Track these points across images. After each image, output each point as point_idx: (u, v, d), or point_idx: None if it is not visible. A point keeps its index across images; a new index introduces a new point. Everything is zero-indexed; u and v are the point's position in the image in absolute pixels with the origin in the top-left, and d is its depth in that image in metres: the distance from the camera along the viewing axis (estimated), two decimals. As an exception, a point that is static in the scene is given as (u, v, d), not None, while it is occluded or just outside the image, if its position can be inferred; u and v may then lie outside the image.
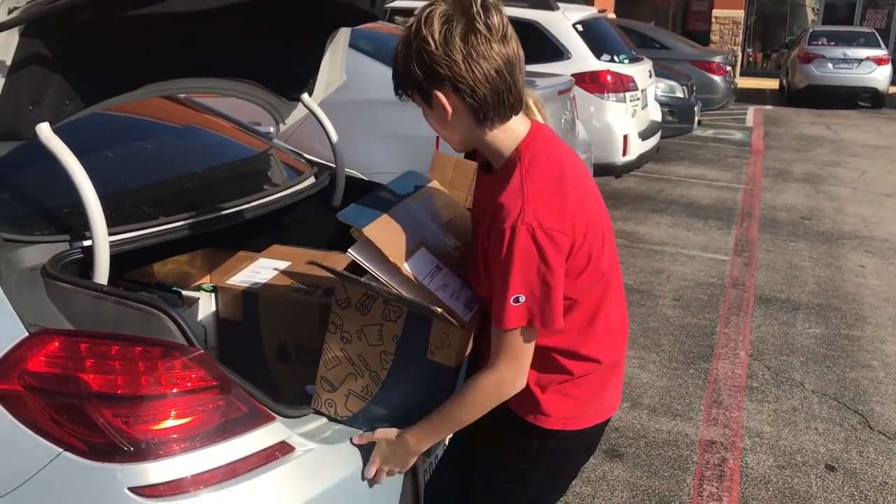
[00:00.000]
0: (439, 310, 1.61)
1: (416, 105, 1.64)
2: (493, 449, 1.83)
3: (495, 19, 1.51)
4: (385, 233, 1.66)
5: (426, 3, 1.56)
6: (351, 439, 1.80)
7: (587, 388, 1.75)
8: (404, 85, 1.60)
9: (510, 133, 1.62)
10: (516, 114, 1.62)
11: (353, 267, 1.70)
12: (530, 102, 1.74)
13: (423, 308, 1.64)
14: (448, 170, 2.09)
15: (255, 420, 1.70)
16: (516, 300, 1.54)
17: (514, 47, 1.55)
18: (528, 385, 1.67)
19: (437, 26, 1.50)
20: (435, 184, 2.00)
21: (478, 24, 1.50)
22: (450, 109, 1.57)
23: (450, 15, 1.50)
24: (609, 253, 1.70)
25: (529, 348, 1.61)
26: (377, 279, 1.64)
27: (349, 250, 1.67)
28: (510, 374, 1.61)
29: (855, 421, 3.75)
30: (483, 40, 1.50)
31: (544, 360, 1.69)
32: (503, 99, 1.56)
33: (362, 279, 1.67)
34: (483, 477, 1.86)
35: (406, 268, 1.63)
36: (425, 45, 1.51)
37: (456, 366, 1.71)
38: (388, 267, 1.63)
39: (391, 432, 1.76)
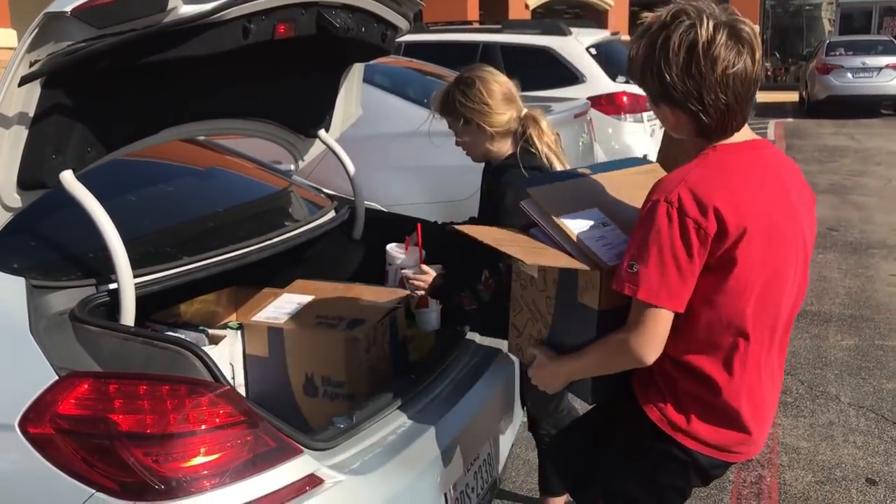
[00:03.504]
0: (564, 255, 1.73)
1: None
2: (618, 429, 1.85)
3: (746, 30, 1.57)
4: (554, 193, 1.84)
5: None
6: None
7: (712, 417, 1.71)
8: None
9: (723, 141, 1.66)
10: (733, 133, 1.66)
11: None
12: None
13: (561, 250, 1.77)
14: (671, 153, 2.15)
15: (283, 454, 1.71)
16: (631, 266, 1.59)
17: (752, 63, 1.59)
18: (657, 380, 1.71)
19: (683, 33, 1.55)
20: (653, 164, 2.09)
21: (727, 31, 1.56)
22: (676, 120, 1.65)
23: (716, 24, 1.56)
24: (774, 289, 1.66)
25: (656, 325, 1.60)
26: (539, 228, 1.82)
27: (521, 203, 1.83)
28: (634, 341, 1.62)
29: (895, 433, 3.68)
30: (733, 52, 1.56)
31: (679, 366, 1.69)
32: (726, 123, 1.62)
33: (530, 230, 1.84)
34: (607, 453, 1.89)
35: (561, 220, 1.76)
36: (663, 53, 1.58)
37: (603, 309, 1.73)
38: (546, 218, 1.80)
39: (549, 355, 1.84)
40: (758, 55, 1.58)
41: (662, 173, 1.87)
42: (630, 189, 1.87)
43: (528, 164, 2.38)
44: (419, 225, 2.51)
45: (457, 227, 2.01)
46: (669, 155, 2.06)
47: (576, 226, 1.75)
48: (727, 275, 1.60)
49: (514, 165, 2.38)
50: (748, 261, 1.59)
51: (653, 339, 1.61)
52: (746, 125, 1.68)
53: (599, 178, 1.94)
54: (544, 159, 2.40)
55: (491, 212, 2.44)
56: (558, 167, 2.40)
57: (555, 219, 1.76)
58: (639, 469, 1.80)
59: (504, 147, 2.42)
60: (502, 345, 2.56)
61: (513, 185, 2.35)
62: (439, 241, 2.57)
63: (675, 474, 1.78)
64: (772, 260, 1.63)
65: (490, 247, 1.79)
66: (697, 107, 1.58)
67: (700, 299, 1.62)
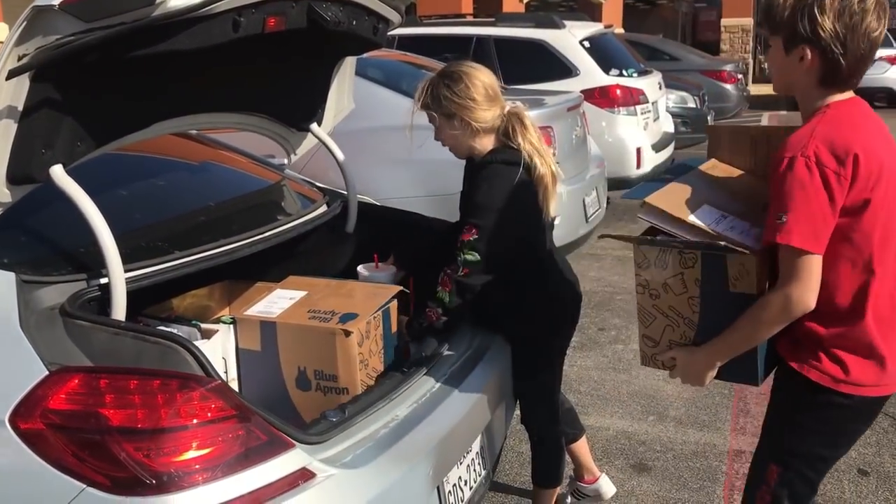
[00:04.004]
0: (722, 243, 1.80)
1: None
2: (779, 394, 1.97)
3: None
4: (665, 198, 1.92)
5: None
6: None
7: (859, 358, 1.83)
8: (775, 25, 1.80)
9: (832, 95, 1.82)
10: (849, 90, 1.83)
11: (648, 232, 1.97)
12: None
13: (713, 245, 1.83)
14: (723, 141, 2.21)
15: (275, 448, 1.71)
16: (779, 217, 1.73)
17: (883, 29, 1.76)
18: (803, 342, 1.84)
19: None
20: (711, 161, 2.17)
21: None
22: (807, 64, 1.78)
23: None
24: None
25: (811, 270, 1.74)
26: (667, 233, 1.88)
27: (638, 214, 1.90)
28: (794, 292, 1.74)
29: (886, 424, 3.69)
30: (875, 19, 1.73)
31: (821, 318, 1.81)
32: (853, 74, 1.78)
33: (657, 238, 1.89)
34: (771, 418, 2.01)
35: (691, 218, 1.86)
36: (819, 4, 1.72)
37: (759, 293, 1.82)
38: (673, 220, 1.87)
39: (689, 350, 1.92)
40: (884, 25, 1.77)
41: (725, 167, 2.08)
42: (716, 186, 2.01)
43: (509, 161, 2.38)
44: (411, 279, 2.52)
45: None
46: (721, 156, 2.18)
47: (706, 222, 1.86)
48: (860, 216, 1.76)
49: (494, 162, 2.38)
50: (877, 202, 1.76)
51: (811, 284, 1.75)
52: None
53: (681, 181, 2.00)
54: (526, 157, 2.39)
55: (466, 204, 2.44)
56: (539, 165, 2.40)
57: (687, 219, 1.85)
58: (804, 425, 1.91)
59: (487, 143, 2.42)
60: (493, 339, 2.57)
61: (488, 180, 2.35)
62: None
63: (841, 421, 1.90)
64: (890, 200, 1.79)
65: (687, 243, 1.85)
66: (840, 51, 1.74)
67: (835, 242, 1.76)
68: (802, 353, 1.86)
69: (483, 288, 2.35)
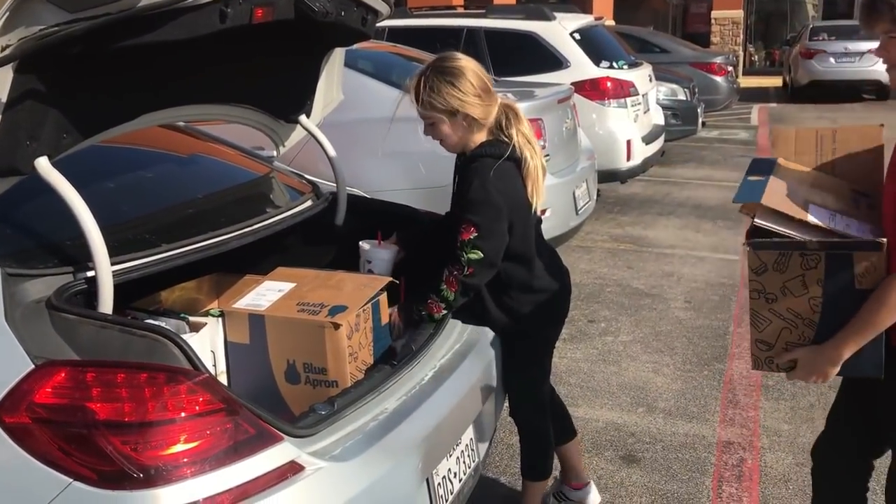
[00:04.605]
0: (857, 237, 1.82)
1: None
2: (881, 391, 1.97)
3: None
4: (777, 199, 1.91)
5: None
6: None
7: None
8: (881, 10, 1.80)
9: None
10: None
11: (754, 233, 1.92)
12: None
13: (844, 244, 1.83)
14: (790, 142, 2.26)
15: (263, 441, 1.70)
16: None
17: None
18: None
19: None
20: (781, 160, 2.18)
21: None
22: None
23: None
24: None
25: None
26: (789, 235, 1.86)
27: (756, 219, 1.86)
28: None
29: (874, 414, 3.72)
30: None
31: None
32: None
33: (774, 240, 1.87)
34: (879, 415, 2.02)
35: (811, 218, 1.85)
36: None
37: None
38: (794, 223, 1.85)
39: (811, 349, 1.91)
40: None
41: (792, 165, 2.13)
42: (804, 183, 2.04)
43: (499, 154, 2.37)
44: (402, 278, 2.50)
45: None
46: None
47: (822, 220, 1.86)
48: None
49: (485, 155, 2.38)
50: None
51: None
52: None
53: (775, 180, 2.01)
54: (518, 149, 2.39)
55: (458, 201, 2.43)
56: (530, 158, 2.39)
57: (807, 219, 1.85)
58: None
59: (480, 137, 2.42)
60: (483, 332, 2.57)
61: (480, 175, 2.34)
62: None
63: None
64: None
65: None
66: None
67: None
68: None
69: None
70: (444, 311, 2.38)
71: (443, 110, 2.36)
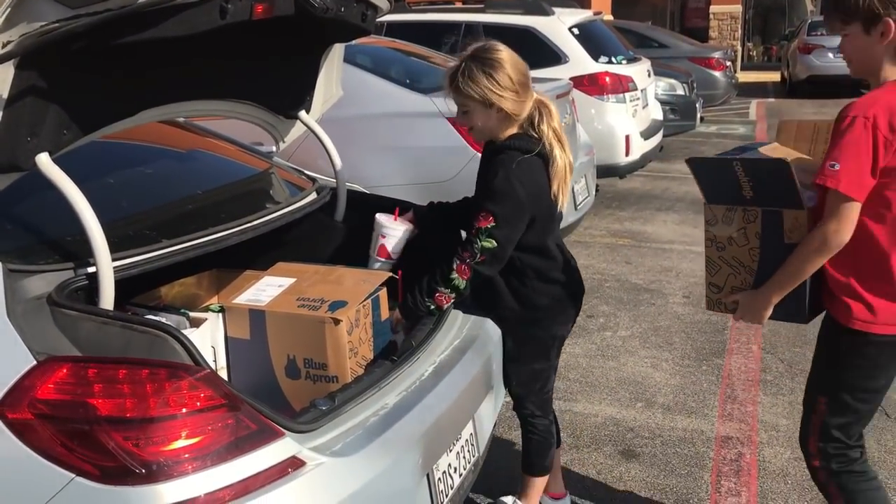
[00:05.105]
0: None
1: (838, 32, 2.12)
2: (823, 336, 2.29)
3: None
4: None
5: None
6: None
7: (887, 301, 2.11)
8: (849, 13, 2.06)
9: None
10: None
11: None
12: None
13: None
14: (792, 132, 2.51)
15: (264, 436, 1.71)
16: (832, 165, 2.01)
17: None
18: (839, 296, 2.14)
19: None
20: (773, 144, 2.46)
21: None
22: (891, 36, 2.01)
23: None
24: None
25: (850, 213, 2.02)
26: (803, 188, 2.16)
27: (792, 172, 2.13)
28: (831, 226, 2.04)
29: (872, 409, 3.73)
30: None
31: (855, 268, 2.11)
32: None
33: (708, 157, 2.35)
34: (817, 357, 2.33)
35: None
36: None
37: None
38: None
39: (749, 293, 2.25)
40: None
41: (784, 149, 2.40)
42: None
43: (527, 148, 2.38)
44: (400, 272, 2.50)
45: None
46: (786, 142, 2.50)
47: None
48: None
49: (513, 148, 2.38)
50: None
51: (847, 224, 2.03)
52: None
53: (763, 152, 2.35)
54: (547, 145, 2.40)
55: (480, 190, 2.44)
56: (559, 156, 2.41)
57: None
58: (843, 362, 2.21)
59: (510, 130, 2.42)
60: (482, 327, 2.58)
61: (505, 166, 2.35)
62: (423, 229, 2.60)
63: (874, 356, 2.17)
64: None
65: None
66: None
67: (872, 197, 2.04)
68: (838, 300, 2.15)
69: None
70: (453, 302, 2.37)
71: (478, 100, 2.35)
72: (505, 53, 2.38)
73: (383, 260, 2.55)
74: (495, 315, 2.58)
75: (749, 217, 2.22)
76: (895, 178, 2.05)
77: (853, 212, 2.03)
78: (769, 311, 2.22)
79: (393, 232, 2.54)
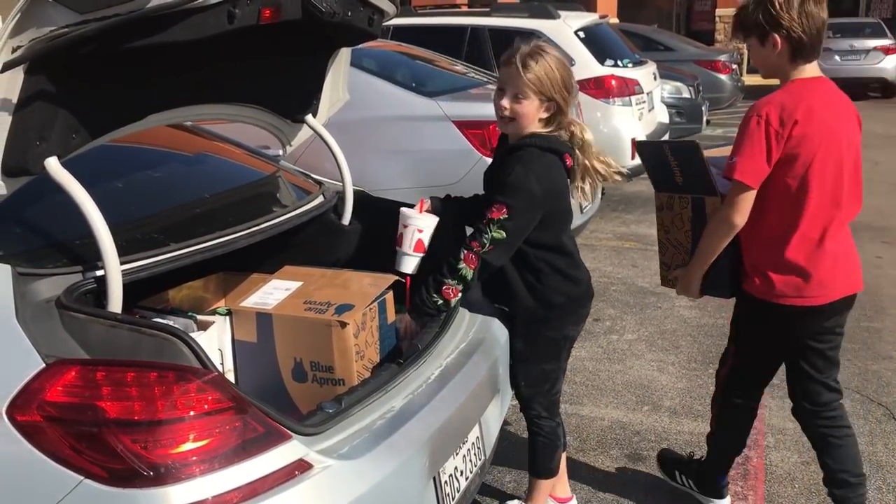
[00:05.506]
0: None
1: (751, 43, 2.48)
2: (738, 305, 2.71)
3: None
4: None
5: None
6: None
7: (784, 276, 2.46)
8: (747, 29, 2.44)
9: (802, 71, 2.43)
10: (813, 61, 2.43)
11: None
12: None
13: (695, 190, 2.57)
14: None
15: (272, 439, 1.72)
16: (731, 159, 2.40)
17: (827, 15, 2.37)
18: (750, 273, 2.53)
19: None
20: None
21: None
22: (779, 48, 2.38)
23: None
24: (832, 172, 2.41)
25: (744, 198, 2.40)
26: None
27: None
28: (727, 212, 2.43)
29: (879, 413, 3.72)
30: (814, 5, 2.34)
31: (758, 247, 2.50)
32: (814, 47, 2.38)
33: (648, 141, 2.62)
34: (733, 320, 2.78)
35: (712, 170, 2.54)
36: (769, 4, 2.36)
37: None
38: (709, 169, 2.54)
39: (683, 269, 2.65)
40: (826, 9, 2.38)
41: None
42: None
43: (545, 146, 2.41)
44: (408, 279, 2.49)
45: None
46: None
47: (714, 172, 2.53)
48: (792, 167, 2.38)
49: (531, 146, 2.41)
50: (806, 158, 2.37)
51: (742, 209, 2.41)
52: (817, 65, 2.45)
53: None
54: (570, 146, 2.48)
55: (495, 184, 2.44)
56: (581, 157, 2.50)
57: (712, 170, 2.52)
58: (752, 324, 2.66)
59: (537, 128, 2.45)
60: (489, 330, 2.58)
61: (523, 163, 2.37)
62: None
63: (776, 322, 2.56)
64: (820, 159, 2.37)
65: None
66: (800, 31, 2.34)
67: (770, 185, 2.39)
68: (746, 276, 2.55)
69: (506, 268, 2.43)
70: (460, 295, 2.36)
71: (543, 92, 2.39)
72: (558, 53, 2.47)
73: (419, 255, 2.47)
74: (510, 313, 2.58)
75: (683, 203, 2.60)
76: (791, 166, 2.37)
77: (748, 198, 2.39)
78: (697, 285, 2.62)
79: (428, 225, 2.48)
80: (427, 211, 2.58)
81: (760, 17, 2.37)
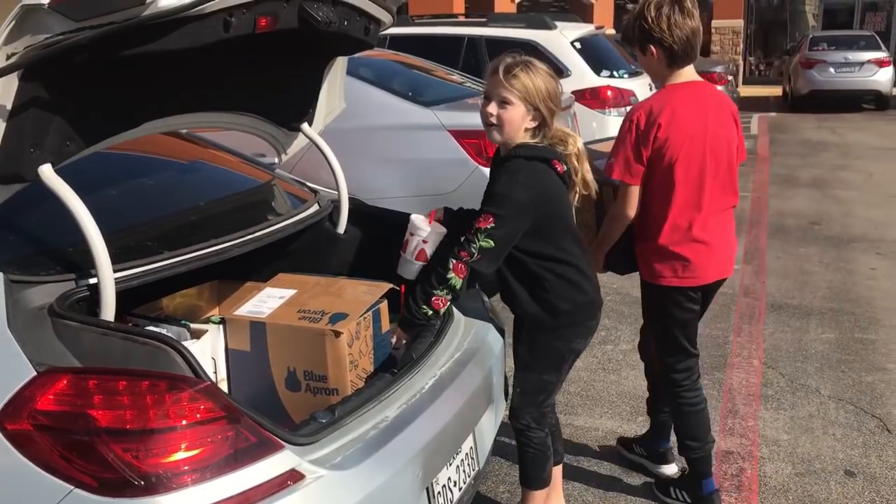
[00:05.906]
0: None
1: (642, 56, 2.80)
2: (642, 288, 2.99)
3: (687, 4, 2.66)
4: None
5: None
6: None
7: (665, 260, 2.77)
8: (631, 41, 2.78)
9: (678, 76, 2.75)
10: (687, 65, 2.75)
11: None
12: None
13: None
14: None
15: (264, 449, 1.71)
16: (609, 159, 2.72)
17: (698, 23, 2.69)
18: (639, 260, 2.86)
19: (653, 9, 2.66)
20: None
21: (676, 7, 2.65)
22: (656, 57, 2.70)
23: (661, 3, 2.66)
24: (696, 167, 2.70)
25: (627, 193, 2.73)
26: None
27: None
28: (619, 205, 2.77)
29: (873, 425, 3.72)
30: (680, 17, 2.64)
31: (643, 236, 2.81)
32: (686, 53, 2.70)
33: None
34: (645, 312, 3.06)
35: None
36: (643, 20, 2.68)
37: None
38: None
39: (591, 248, 2.84)
40: (696, 17, 2.70)
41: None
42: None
43: (532, 156, 2.41)
44: (402, 287, 2.50)
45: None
46: None
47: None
48: (661, 164, 2.68)
49: (518, 157, 2.42)
50: (672, 156, 2.67)
51: (628, 202, 2.74)
52: (692, 69, 2.79)
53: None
54: (564, 159, 2.49)
55: (484, 195, 2.45)
56: (575, 170, 2.54)
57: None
58: (650, 300, 2.95)
59: (525, 138, 2.45)
60: (484, 340, 2.57)
61: (509, 171, 2.38)
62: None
63: (665, 300, 2.86)
64: (686, 156, 2.67)
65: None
66: (671, 41, 2.65)
67: (647, 181, 2.70)
68: (639, 261, 2.86)
69: (509, 279, 2.49)
70: (449, 304, 2.36)
71: (528, 100, 2.40)
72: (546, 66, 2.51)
73: (420, 263, 2.50)
74: (518, 321, 2.59)
75: (588, 205, 2.93)
76: (661, 163, 2.66)
77: (632, 192, 2.71)
78: (601, 263, 2.92)
79: (434, 237, 2.51)
80: (437, 221, 2.59)
81: (637, 31, 2.70)
